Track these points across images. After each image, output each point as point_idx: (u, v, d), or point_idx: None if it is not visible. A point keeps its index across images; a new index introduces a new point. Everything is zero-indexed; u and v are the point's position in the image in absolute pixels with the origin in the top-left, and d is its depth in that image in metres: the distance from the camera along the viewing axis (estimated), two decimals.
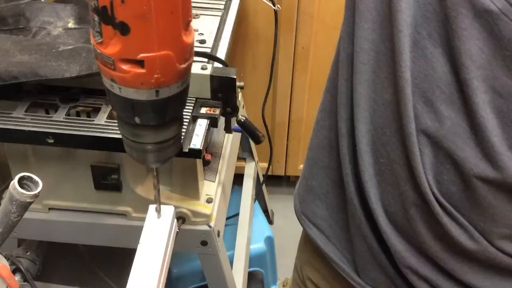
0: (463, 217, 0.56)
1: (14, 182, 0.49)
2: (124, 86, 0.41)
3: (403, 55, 0.52)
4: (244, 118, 0.89)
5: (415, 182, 0.56)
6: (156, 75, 0.40)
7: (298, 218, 0.76)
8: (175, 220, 0.51)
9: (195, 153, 0.79)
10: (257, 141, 0.90)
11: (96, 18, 0.40)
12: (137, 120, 0.40)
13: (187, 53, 0.43)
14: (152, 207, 0.50)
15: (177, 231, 0.52)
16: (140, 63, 0.40)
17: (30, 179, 0.51)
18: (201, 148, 0.79)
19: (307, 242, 0.81)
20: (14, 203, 0.49)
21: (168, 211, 0.49)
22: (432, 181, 0.56)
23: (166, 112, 0.40)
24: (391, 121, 0.56)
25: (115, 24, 0.39)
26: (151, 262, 0.45)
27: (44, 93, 0.84)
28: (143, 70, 0.40)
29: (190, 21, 0.43)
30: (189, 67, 0.45)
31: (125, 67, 0.40)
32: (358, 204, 0.63)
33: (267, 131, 1.62)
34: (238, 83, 0.83)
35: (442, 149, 0.54)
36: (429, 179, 0.56)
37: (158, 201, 0.49)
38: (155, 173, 0.49)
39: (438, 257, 0.60)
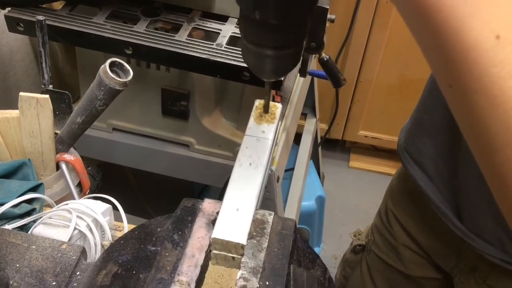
0: None
1: (105, 65, 0.46)
2: None
3: None
4: (327, 57, 0.83)
5: None
6: None
7: (399, 155, 0.71)
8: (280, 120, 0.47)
9: (275, 84, 0.75)
10: (338, 84, 0.84)
11: None
12: (257, 14, 0.35)
13: None
14: (258, 101, 0.46)
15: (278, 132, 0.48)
16: None
17: (121, 66, 0.47)
18: (282, 79, 0.74)
19: (401, 181, 0.77)
20: (102, 88, 0.46)
21: (278, 106, 0.46)
22: None
23: (289, 8, 0.35)
24: None
25: None
26: (256, 153, 0.41)
27: (125, 3, 0.81)
28: None
29: None
30: None
31: None
32: None
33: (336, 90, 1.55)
34: (329, 16, 0.76)
35: None
36: None
37: (267, 97, 0.45)
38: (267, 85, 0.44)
39: None
